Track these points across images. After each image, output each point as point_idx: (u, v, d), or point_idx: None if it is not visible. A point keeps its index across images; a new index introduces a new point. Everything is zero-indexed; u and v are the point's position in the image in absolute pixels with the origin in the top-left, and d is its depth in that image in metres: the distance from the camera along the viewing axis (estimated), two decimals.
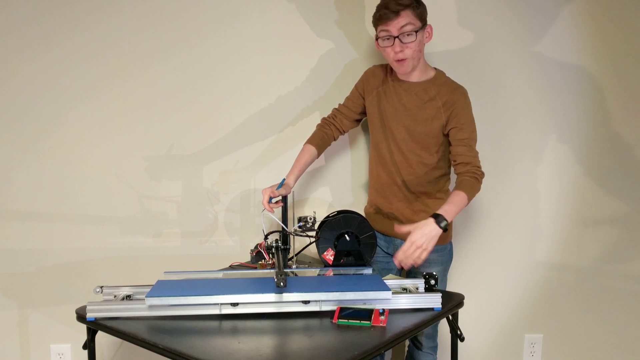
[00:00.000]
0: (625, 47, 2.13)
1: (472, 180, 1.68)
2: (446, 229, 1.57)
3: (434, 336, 1.91)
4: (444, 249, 1.85)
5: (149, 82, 2.07)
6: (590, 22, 2.11)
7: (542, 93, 2.15)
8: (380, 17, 1.66)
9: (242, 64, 2.09)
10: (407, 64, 1.70)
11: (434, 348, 1.93)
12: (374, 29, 1.74)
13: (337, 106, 1.96)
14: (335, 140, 1.95)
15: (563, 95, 2.15)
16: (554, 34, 2.12)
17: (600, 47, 2.13)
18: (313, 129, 1.95)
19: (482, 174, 1.71)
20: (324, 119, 1.95)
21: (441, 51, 2.11)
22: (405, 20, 1.64)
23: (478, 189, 1.69)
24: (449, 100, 1.73)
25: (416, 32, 1.66)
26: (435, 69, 1.82)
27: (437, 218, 1.56)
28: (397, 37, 1.65)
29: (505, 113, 2.15)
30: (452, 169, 1.79)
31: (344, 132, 1.95)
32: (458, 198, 1.63)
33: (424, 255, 1.54)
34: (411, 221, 1.80)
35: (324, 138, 1.90)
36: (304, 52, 2.10)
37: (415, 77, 1.78)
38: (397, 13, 1.63)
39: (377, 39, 1.73)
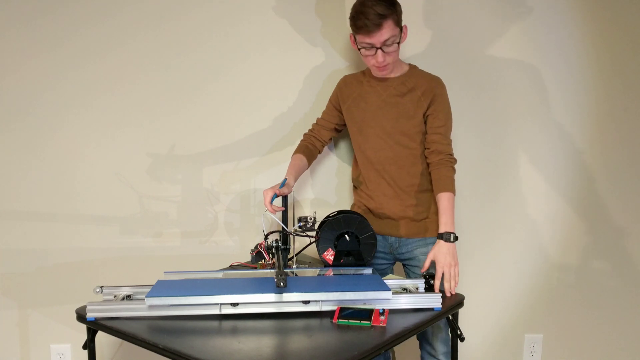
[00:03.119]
0: (626, 45, 2.13)
1: (450, 173, 1.75)
2: (457, 238, 1.66)
3: (447, 341, 1.87)
4: None
5: (149, 83, 2.07)
6: (592, 22, 2.12)
7: (542, 93, 2.15)
8: (361, 28, 1.63)
9: (244, 66, 2.09)
10: (387, 68, 1.75)
11: (447, 354, 1.89)
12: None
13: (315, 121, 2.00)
14: (320, 152, 1.99)
15: (563, 94, 2.15)
16: (554, 33, 2.12)
17: (601, 46, 2.13)
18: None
19: (455, 160, 1.78)
20: (304, 133, 2.00)
21: (441, 51, 2.11)
22: (387, 32, 1.63)
23: (454, 176, 1.77)
24: (427, 89, 1.77)
25: (398, 42, 1.68)
26: (408, 63, 1.85)
27: (443, 236, 1.66)
28: (380, 47, 1.65)
29: (505, 113, 2.15)
30: (425, 155, 1.81)
31: (325, 142, 1.98)
32: (446, 202, 1.71)
33: (456, 269, 1.62)
34: (401, 217, 1.85)
35: (308, 147, 1.94)
36: (309, 53, 2.10)
37: (391, 73, 1.81)
38: (379, 26, 1.61)
39: (354, 41, 1.72)
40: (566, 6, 2.11)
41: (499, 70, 2.13)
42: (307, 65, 2.11)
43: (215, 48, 2.08)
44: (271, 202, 1.71)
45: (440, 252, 1.64)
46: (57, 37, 2.02)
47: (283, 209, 1.79)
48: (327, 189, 2.18)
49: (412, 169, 1.82)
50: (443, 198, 1.71)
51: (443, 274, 1.62)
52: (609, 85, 2.15)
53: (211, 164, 2.12)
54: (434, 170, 1.77)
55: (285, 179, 1.80)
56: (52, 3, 2.00)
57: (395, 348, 2.28)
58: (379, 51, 1.66)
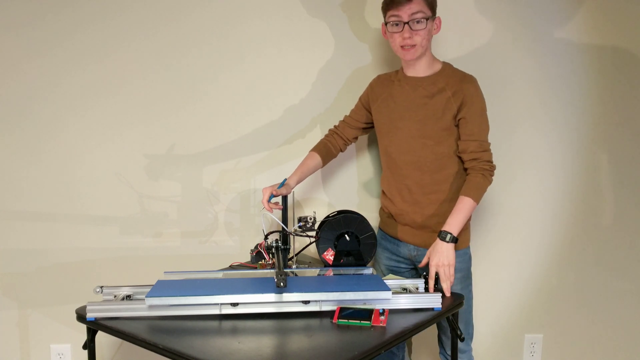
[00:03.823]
0: (626, 46, 2.13)
1: (479, 179, 1.67)
2: (456, 240, 1.62)
3: (459, 343, 1.80)
4: (463, 255, 1.79)
5: (150, 83, 2.07)
6: (590, 18, 2.11)
7: (542, 94, 2.15)
8: (392, 2, 1.66)
9: (244, 66, 2.09)
10: (415, 51, 1.69)
11: (467, 352, 1.86)
12: (381, 30, 1.74)
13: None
14: (342, 151, 1.95)
15: (564, 95, 2.15)
16: (553, 31, 2.12)
17: (601, 44, 2.13)
18: (320, 133, 1.99)
19: (493, 167, 1.70)
20: (329, 129, 1.97)
21: (440, 52, 2.11)
22: (417, 7, 1.64)
23: (487, 186, 1.69)
24: (458, 89, 1.70)
25: (427, 19, 1.66)
26: (442, 62, 1.79)
27: (440, 234, 1.63)
28: (407, 23, 1.65)
29: (505, 115, 2.15)
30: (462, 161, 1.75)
31: (349, 140, 1.94)
32: (462, 205, 1.65)
33: (451, 270, 1.59)
34: (421, 227, 1.79)
35: (327, 145, 1.91)
36: (313, 53, 2.09)
37: (422, 71, 1.76)
38: None
39: (386, 25, 1.72)
40: (566, 6, 2.11)
41: (498, 71, 2.13)
42: (315, 66, 2.10)
43: (217, 47, 2.07)
44: (269, 201, 1.71)
45: (434, 250, 1.62)
46: (58, 38, 2.02)
47: (282, 207, 1.79)
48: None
49: (437, 175, 1.75)
50: (460, 201, 1.66)
51: (438, 274, 1.60)
52: (608, 86, 2.15)
53: (211, 164, 2.12)
54: (468, 175, 1.71)
55: (285, 179, 1.80)
56: (52, 5, 2.00)
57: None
58: (406, 26, 1.65)
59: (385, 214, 1.90)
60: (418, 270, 1.88)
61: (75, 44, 2.03)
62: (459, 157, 1.74)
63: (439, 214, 1.75)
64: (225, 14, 2.06)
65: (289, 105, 2.11)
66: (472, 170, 1.69)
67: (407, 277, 1.85)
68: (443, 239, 1.61)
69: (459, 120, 1.71)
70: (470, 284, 1.85)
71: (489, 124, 1.74)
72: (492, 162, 1.70)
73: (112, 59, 2.05)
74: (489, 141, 1.73)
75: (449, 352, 1.82)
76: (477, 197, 1.66)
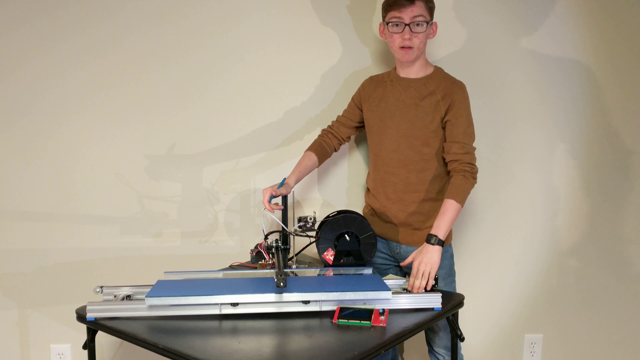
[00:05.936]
0: (624, 43, 2.13)
1: (462, 181, 1.70)
2: (442, 243, 1.63)
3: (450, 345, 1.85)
4: (445, 252, 1.81)
5: (150, 82, 2.07)
6: (589, 17, 2.12)
7: (541, 92, 2.15)
8: (394, 3, 1.69)
9: (244, 66, 2.09)
10: (412, 53, 1.74)
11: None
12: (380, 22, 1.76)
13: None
14: (336, 150, 1.98)
15: (563, 94, 2.15)
16: (552, 31, 2.12)
17: (600, 43, 2.13)
18: (318, 133, 1.99)
19: (475, 170, 1.73)
20: (323, 129, 1.99)
21: (438, 50, 2.11)
22: (418, 10, 1.68)
23: (470, 188, 1.71)
24: (447, 93, 1.75)
25: (426, 23, 1.70)
26: (434, 66, 1.84)
27: (428, 238, 1.64)
28: (408, 25, 1.69)
29: (504, 113, 2.15)
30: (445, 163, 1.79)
31: (343, 140, 1.97)
32: (446, 207, 1.67)
33: (432, 272, 1.58)
34: (403, 224, 1.84)
35: (322, 145, 1.93)
36: (313, 53, 2.09)
37: (414, 73, 1.80)
38: (411, 2, 1.67)
39: (385, 25, 1.75)
40: (566, 7, 2.11)
41: (499, 70, 2.13)
42: (314, 66, 2.10)
43: (218, 47, 2.07)
44: (269, 202, 1.71)
45: (421, 252, 1.63)
46: (57, 37, 2.02)
47: (282, 207, 1.80)
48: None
49: (422, 174, 1.79)
50: (445, 203, 1.68)
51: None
52: (607, 85, 2.15)
53: (211, 164, 2.12)
54: (451, 177, 1.74)
55: (284, 179, 1.80)
56: (51, 3, 2.00)
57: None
58: (407, 28, 1.69)
59: (369, 212, 1.93)
60: (402, 268, 1.91)
61: (74, 43, 2.03)
62: (444, 159, 1.78)
63: (421, 212, 1.81)
64: (226, 14, 2.06)
65: (288, 106, 2.11)
66: (453, 172, 1.73)
67: (392, 274, 1.88)
68: (428, 241, 1.63)
69: (445, 122, 1.75)
70: (454, 281, 1.89)
71: (474, 131, 1.77)
72: (474, 165, 1.73)
73: (111, 57, 2.04)
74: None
75: (438, 351, 1.85)
76: (461, 199, 1.69)
